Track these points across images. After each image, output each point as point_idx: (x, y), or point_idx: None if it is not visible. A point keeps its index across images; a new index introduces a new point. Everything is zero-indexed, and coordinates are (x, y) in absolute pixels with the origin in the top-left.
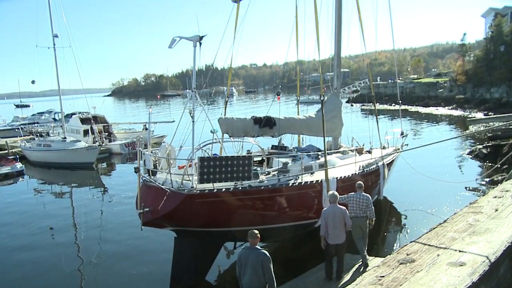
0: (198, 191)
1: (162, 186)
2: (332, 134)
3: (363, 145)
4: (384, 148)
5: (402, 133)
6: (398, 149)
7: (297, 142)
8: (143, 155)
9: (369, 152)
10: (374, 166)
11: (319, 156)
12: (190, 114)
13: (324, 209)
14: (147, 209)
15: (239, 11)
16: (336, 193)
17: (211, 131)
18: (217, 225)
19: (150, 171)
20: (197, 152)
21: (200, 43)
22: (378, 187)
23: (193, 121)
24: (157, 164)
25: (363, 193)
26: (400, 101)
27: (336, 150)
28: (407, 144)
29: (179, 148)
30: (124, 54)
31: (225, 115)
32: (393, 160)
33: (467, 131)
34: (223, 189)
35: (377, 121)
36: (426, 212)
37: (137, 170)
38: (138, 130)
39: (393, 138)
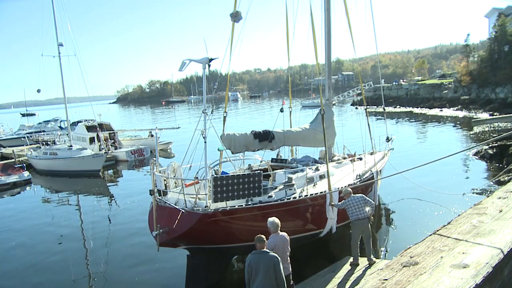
0: (212, 210)
1: (176, 206)
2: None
3: (355, 153)
4: (372, 153)
5: (387, 138)
6: (386, 153)
7: (290, 154)
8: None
9: (360, 159)
10: (369, 173)
11: (318, 167)
12: (202, 135)
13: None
14: (162, 230)
15: (235, 29)
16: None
17: (218, 149)
18: (231, 242)
19: (162, 192)
20: (209, 171)
21: (209, 65)
22: (373, 193)
23: (205, 142)
24: (168, 185)
25: (355, 195)
26: (384, 107)
27: (331, 160)
28: (393, 148)
29: (189, 167)
30: (129, 61)
31: (223, 130)
32: (383, 166)
33: (471, 132)
34: (236, 206)
35: (369, 127)
36: (430, 214)
37: (152, 192)
38: (143, 137)
39: (380, 142)
